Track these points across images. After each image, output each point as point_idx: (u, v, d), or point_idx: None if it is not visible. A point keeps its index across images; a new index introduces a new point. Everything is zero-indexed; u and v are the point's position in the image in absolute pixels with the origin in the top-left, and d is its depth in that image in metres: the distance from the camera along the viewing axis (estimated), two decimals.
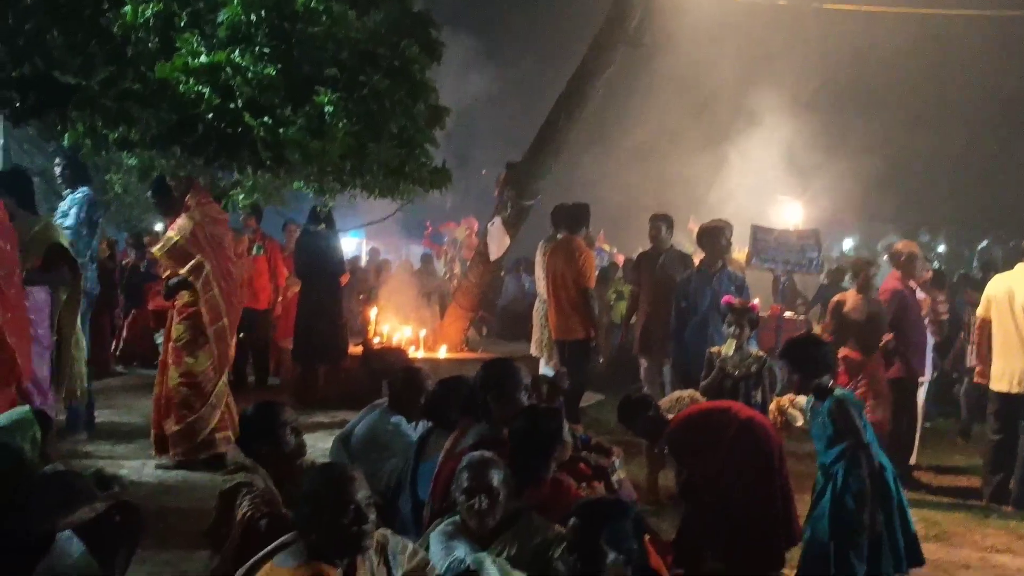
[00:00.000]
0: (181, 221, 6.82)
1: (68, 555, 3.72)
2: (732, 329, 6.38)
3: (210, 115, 5.82)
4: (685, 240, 16.60)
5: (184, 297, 6.86)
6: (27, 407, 4.36)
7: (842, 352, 7.34)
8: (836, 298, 7.91)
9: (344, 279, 10.45)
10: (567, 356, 8.36)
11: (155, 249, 7.06)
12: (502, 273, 14.56)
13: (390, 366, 8.65)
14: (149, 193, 7.15)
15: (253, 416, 4.21)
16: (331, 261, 9.83)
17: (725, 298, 6.67)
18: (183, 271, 6.78)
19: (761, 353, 6.46)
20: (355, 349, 9.91)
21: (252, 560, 3.19)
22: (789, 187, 18.25)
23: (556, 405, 5.33)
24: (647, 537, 3.69)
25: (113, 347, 11.87)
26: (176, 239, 6.78)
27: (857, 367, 7.42)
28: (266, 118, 5.85)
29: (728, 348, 6.38)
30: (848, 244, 28.58)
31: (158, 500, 5.98)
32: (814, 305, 15.32)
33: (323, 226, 9.73)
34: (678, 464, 5.71)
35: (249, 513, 3.78)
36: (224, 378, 7.04)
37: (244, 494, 3.87)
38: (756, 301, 6.90)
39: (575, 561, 3.45)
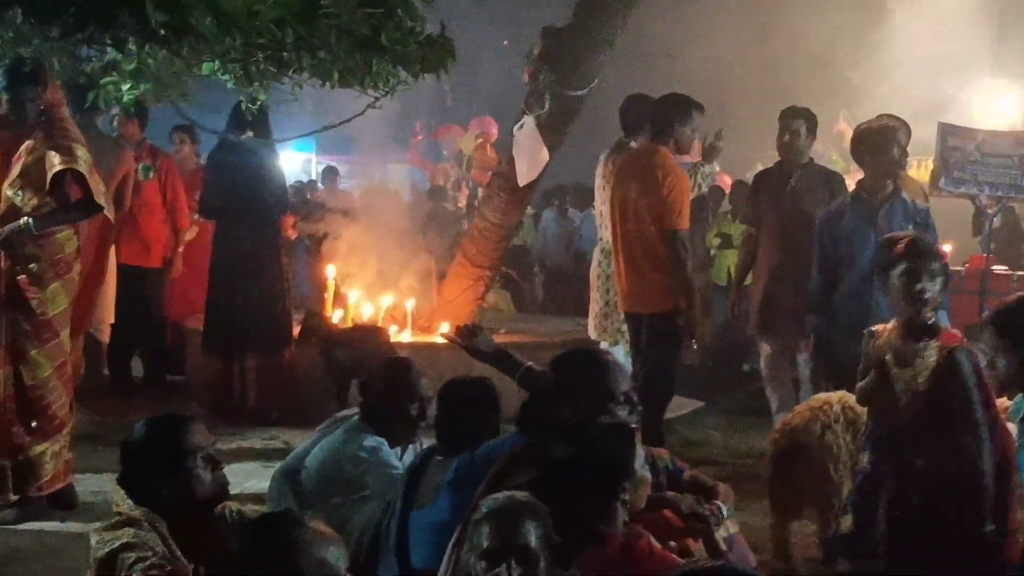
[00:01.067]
0: (73, 131, 6.94)
1: None
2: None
3: None
4: (831, 149, 16.51)
5: (68, 244, 6.96)
6: None
7: None
8: None
9: (288, 224, 10.45)
10: (644, 339, 8.33)
11: (82, 166, 6.92)
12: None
13: (362, 357, 8.74)
14: (5, 84, 6.97)
15: (145, 438, 4.23)
16: (264, 192, 9.84)
17: (886, 237, 6.56)
18: (100, 200, 6.88)
19: (955, 332, 6.33)
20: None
21: None
22: (999, 61, 18.00)
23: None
24: None
25: None
26: (88, 159, 6.89)
27: None
28: None
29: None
30: None
31: (4, 571, 6.06)
32: None
33: (250, 134, 9.71)
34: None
35: None
36: None
37: (133, 561, 3.90)
38: (947, 248, 6.84)
39: None
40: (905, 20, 17.33)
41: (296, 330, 9.94)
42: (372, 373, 5.87)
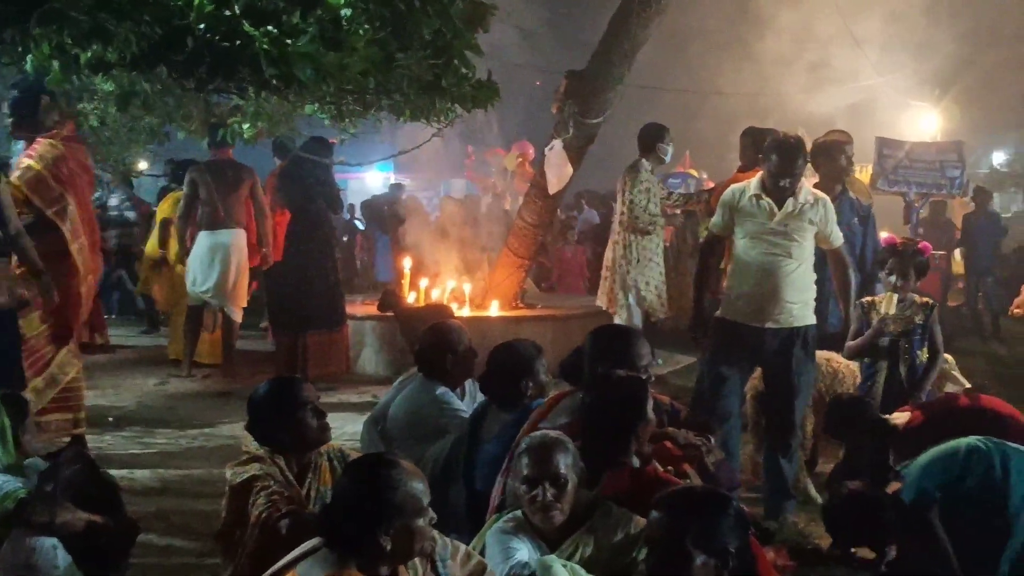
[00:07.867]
0: (42, 147, 6.60)
1: (51, 566, 3.81)
2: (893, 280, 6.08)
3: (201, 26, 5.79)
4: None
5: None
6: None
7: None
8: None
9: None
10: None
11: (13, 178, 6.54)
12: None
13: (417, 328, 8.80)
14: (9, 107, 6.77)
15: (267, 394, 4.25)
16: (321, 198, 9.78)
17: (886, 238, 6.39)
18: (50, 212, 6.51)
19: (927, 299, 6.18)
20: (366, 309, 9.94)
21: (272, 569, 3.23)
22: (923, 86, 17.73)
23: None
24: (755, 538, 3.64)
25: None
26: (37, 167, 6.53)
27: None
28: (270, 27, 5.82)
29: (888, 303, 6.08)
30: (1000, 157, 27.87)
31: (155, 500, 6.10)
32: (960, 245, 15.00)
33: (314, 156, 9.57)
34: None
35: (266, 512, 3.84)
36: (68, 347, 6.78)
37: (259, 490, 3.93)
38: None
39: (655, 564, 3.42)
40: (852, 56, 17.12)
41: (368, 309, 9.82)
42: (421, 337, 5.75)
